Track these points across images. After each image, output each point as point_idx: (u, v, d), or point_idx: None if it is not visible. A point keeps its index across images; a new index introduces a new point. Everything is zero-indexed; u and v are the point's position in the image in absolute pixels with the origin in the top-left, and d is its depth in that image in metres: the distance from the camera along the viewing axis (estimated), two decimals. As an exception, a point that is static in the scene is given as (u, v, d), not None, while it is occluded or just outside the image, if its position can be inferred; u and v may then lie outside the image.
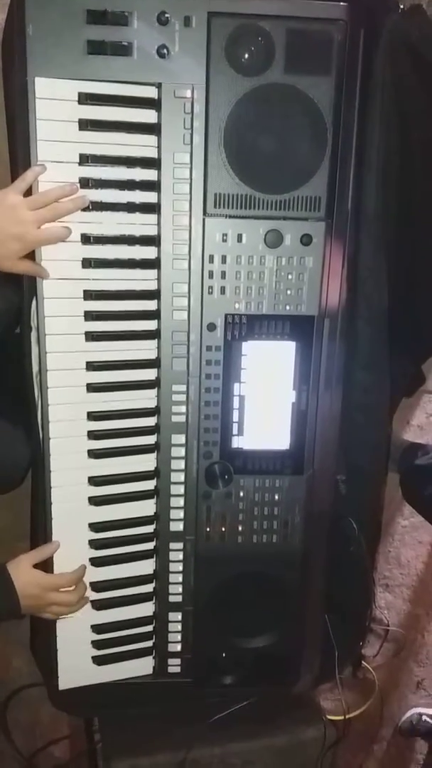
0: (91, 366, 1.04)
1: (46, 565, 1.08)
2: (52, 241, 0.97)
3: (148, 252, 1.04)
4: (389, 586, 1.75)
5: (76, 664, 1.15)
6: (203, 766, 1.22)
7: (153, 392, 1.09)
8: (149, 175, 1.01)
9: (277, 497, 1.15)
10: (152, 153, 1.01)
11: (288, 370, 1.10)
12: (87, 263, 1.01)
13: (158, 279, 1.05)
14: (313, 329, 1.09)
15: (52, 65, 0.95)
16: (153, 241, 1.03)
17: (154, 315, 1.06)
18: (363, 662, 1.64)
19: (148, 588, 1.17)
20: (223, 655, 1.22)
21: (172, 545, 1.15)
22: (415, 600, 1.78)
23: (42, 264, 0.99)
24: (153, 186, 1.02)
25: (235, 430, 1.11)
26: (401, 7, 1.02)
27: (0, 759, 1.45)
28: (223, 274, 1.05)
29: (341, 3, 0.98)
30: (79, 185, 0.98)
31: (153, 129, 1.00)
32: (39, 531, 1.11)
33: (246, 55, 0.98)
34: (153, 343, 1.07)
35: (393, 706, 1.83)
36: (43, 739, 1.54)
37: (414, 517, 1.67)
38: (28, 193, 0.96)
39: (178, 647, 1.20)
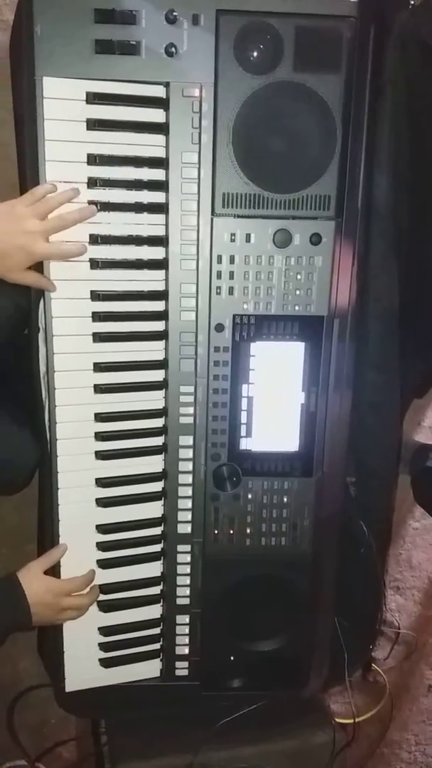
0: (99, 367, 1.04)
1: (53, 568, 1.08)
2: (60, 257, 0.97)
3: (156, 252, 1.03)
4: (400, 589, 1.74)
5: (83, 667, 1.14)
6: (211, 770, 1.21)
7: (160, 393, 1.08)
8: (157, 174, 1.01)
9: (285, 499, 1.14)
10: (160, 152, 1.00)
11: (297, 371, 1.09)
12: (95, 264, 1.00)
13: (166, 279, 1.04)
14: (323, 329, 1.08)
15: (60, 65, 0.94)
16: (161, 241, 1.03)
17: (162, 316, 1.05)
18: (373, 665, 1.62)
19: (156, 590, 1.16)
20: (232, 658, 1.21)
21: (180, 547, 1.14)
22: (427, 603, 1.76)
23: (50, 264, 0.98)
24: (161, 186, 1.01)
25: (243, 432, 1.11)
26: (411, 3, 1.01)
27: (7, 760, 1.45)
28: (232, 275, 1.04)
29: (351, 0, 0.97)
30: (86, 185, 0.97)
31: (161, 128, 0.99)
32: (46, 533, 1.10)
33: (255, 53, 0.97)
34: (160, 344, 1.06)
35: (404, 710, 1.81)
36: (50, 741, 1.53)
37: (425, 519, 1.66)
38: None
39: (186, 650, 1.19)
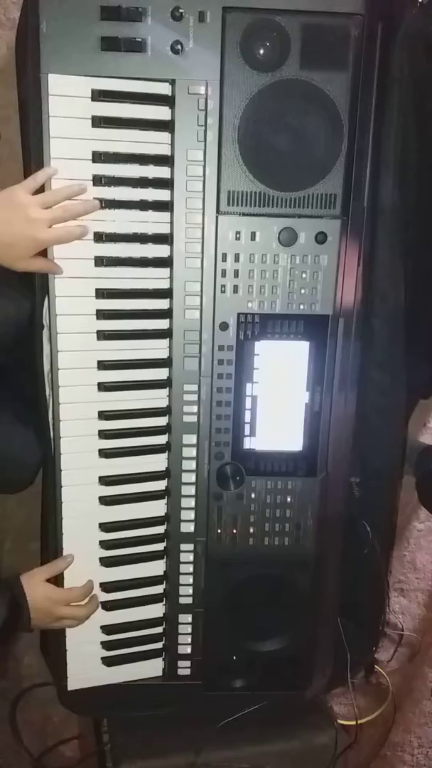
0: (103, 365, 1.04)
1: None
2: (65, 240, 0.97)
3: (161, 250, 1.03)
4: (404, 591, 1.73)
5: (86, 665, 1.14)
6: (213, 769, 1.21)
7: (164, 392, 1.08)
8: (162, 172, 1.00)
9: (289, 499, 1.13)
10: (165, 150, 1.00)
11: (301, 371, 1.09)
12: (99, 261, 1.00)
13: (170, 277, 1.04)
14: (328, 329, 1.07)
15: (66, 62, 0.94)
16: (166, 239, 1.02)
17: (166, 314, 1.05)
18: (376, 667, 1.62)
19: (159, 589, 1.16)
20: (234, 658, 1.21)
21: (183, 546, 1.14)
22: (431, 605, 1.75)
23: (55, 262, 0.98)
24: (166, 183, 1.01)
25: (247, 431, 1.10)
26: (420, 1, 1.00)
27: (9, 757, 1.45)
28: (236, 273, 1.04)
29: (358, -3, 0.96)
30: (91, 182, 0.97)
31: (166, 126, 0.99)
32: (49, 530, 1.10)
33: (261, 51, 0.96)
34: (165, 342, 1.06)
35: (407, 712, 1.80)
36: (52, 739, 1.53)
37: (430, 521, 1.65)
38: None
39: (189, 649, 1.19)
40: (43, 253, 0.97)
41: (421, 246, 1.15)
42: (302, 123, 0.99)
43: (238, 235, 1.03)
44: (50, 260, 0.98)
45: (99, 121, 0.96)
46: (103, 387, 1.04)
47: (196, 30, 0.95)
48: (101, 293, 1.01)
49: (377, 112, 1.01)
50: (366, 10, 0.96)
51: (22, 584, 1.03)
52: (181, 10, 0.94)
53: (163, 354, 1.07)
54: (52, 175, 0.95)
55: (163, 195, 1.01)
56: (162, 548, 1.14)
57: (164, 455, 1.11)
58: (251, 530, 1.14)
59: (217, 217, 1.02)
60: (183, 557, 1.14)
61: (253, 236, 1.03)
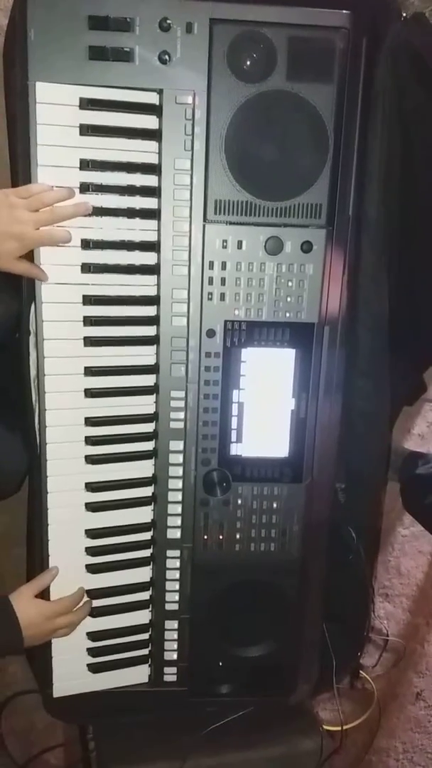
0: (90, 371, 1.04)
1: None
2: (50, 243, 0.97)
3: (148, 258, 1.03)
4: (389, 596, 1.74)
5: (71, 672, 1.14)
6: (198, 776, 1.21)
7: (151, 398, 1.09)
8: (150, 180, 1.01)
9: (275, 505, 1.14)
10: (153, 159, 1.00)
11: (287, 378, 1.10)
12: (86, 268, 1.01)
13: (158, 285, 1.04)
14: (313, 336, 1.08)
15: (54, 70, 0.95)
16: (153, 246, 1.03)
17: (154, 321, 1.06)
18: (361, 672, 1.63)
19: (145, 596, 1.16)
20: (220, 664, 1.21)
21: (169, 553, 1.14)
22: (415, 610, 1.77)
23: (41, 268, 0.98)
24: (153, 192, 1.01)
25: (233, 437, 1.11)
26: (404, 15, 1.02)
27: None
28: (223, 281, 1.05)
29: (343, 11, 0.98)
30: (78, 190, 0.98)
31: (154, 135, 1.00)
32: (35, 536, 1.10)
33: (248, 62, 0.98)
34: (152, 348, 1.07)
35: (392, 718, 1.81)
36: (37, 746, 1.52)
37: (414, 526, 1.66)
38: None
39: (174, 656, 1.19)
40: (30, 259, 0.97)
41: (404, 254, 1.16)
42: (288, 133, 1.00)
43: (225, 244, 1.04)
44: (35, 265, 0.98)
45: (87, 129, 0.97)
46: (89, 393, 1.05)
47: (183, 41, 0.96)
48: (88, 300, 1.02)
49: (362, 123, 1.03)
50: (351, 24, 0.98)
51: (12, 606, 1.02)
52: (168, 21, 0.95)
53: (151, 360, 1.07)
54: (46, 190, 0.96)
55: (150, 203, 1.02)
56: (148, 555, 1.15)
57: (151, 461, 1.11)
58: (237, 536, 1.15)
59: (204, 226, 1.03)
60: (169, 563, 1.14)
61: (239, 245, 1.04)
